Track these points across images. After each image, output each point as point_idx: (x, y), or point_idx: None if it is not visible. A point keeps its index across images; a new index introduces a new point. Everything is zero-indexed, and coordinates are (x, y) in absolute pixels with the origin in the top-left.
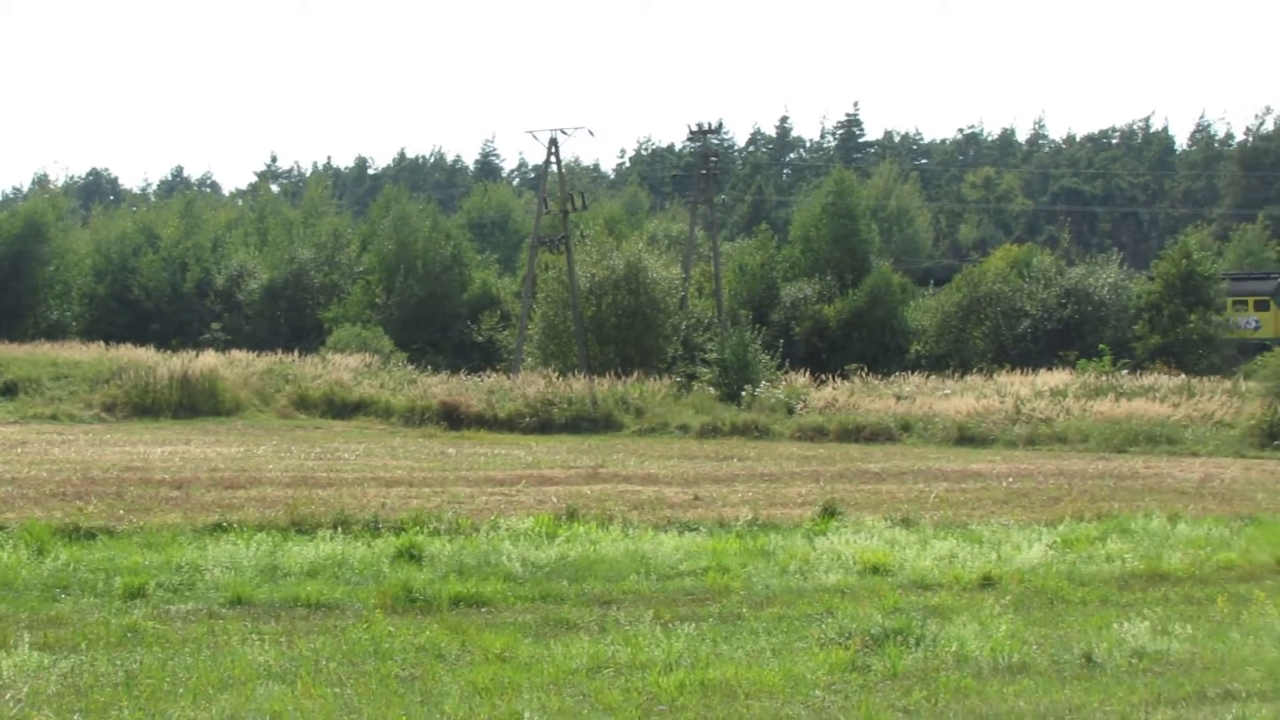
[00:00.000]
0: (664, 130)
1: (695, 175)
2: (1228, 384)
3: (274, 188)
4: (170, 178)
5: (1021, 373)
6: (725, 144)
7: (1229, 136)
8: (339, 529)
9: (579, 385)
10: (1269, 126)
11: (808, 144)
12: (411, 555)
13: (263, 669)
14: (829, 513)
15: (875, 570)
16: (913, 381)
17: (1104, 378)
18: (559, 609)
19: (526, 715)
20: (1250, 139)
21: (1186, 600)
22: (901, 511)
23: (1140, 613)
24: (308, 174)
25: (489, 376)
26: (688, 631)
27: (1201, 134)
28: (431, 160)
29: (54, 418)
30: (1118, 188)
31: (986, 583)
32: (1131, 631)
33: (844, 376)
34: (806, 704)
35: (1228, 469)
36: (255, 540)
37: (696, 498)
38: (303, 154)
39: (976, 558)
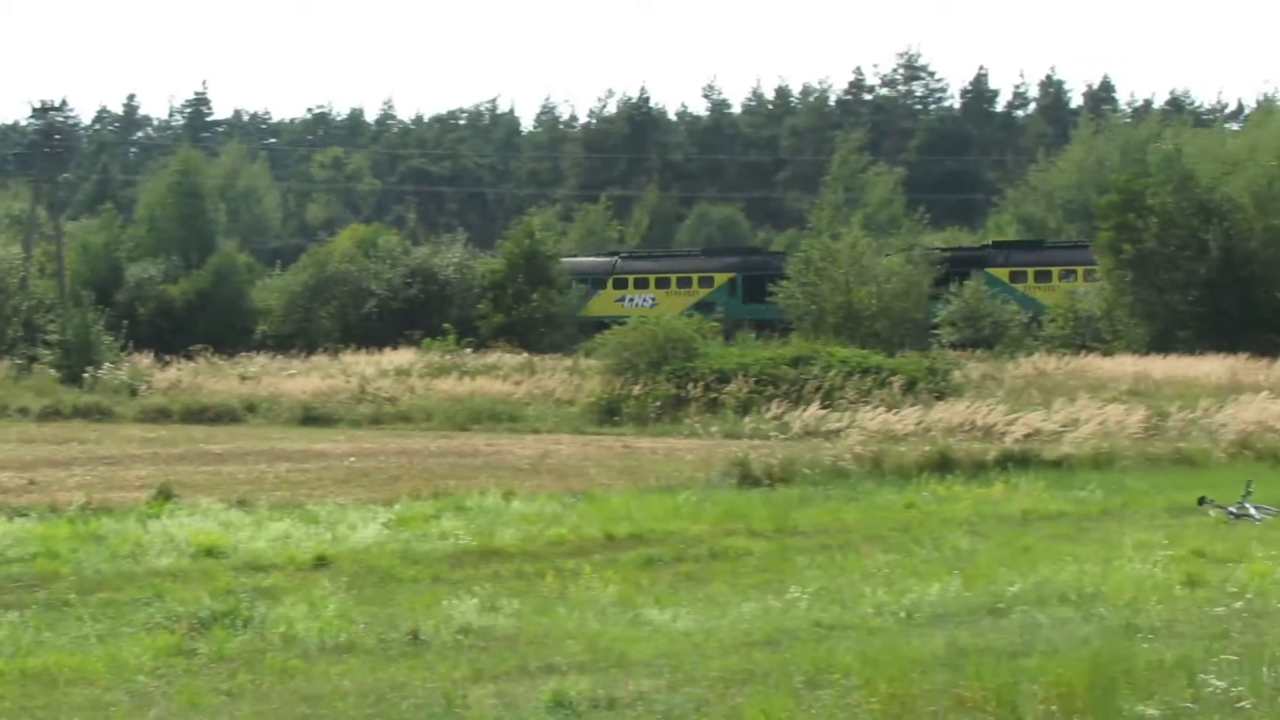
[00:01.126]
0: (6, 107)
1: (38, 153)
2: (568, 362)
3: None
4: None
5: (368, 352)
6: (70, 122)
7: (573, 119)
8: None
9: None
10: (611, 109)
11: (155, 123)
12: None
13: None
14: (165, 495)
15: (209, 553)
16: (259, 362)
17: (448, 356)
18: None
19: None
20: (593, 121)
21: (517, 576)
22: (240, 493)
23: (470, 589)
24: None
25: None
26: (11, 620)
27: (547, 116)
28: None
29: None
30: (465, 168)
31: (321, 563)
32: (460, 608)
33: (189, 357)
34: (129, 690)
35: (565, 445)
36: None
37: (32, 482)
38: None
39: (312, 538)
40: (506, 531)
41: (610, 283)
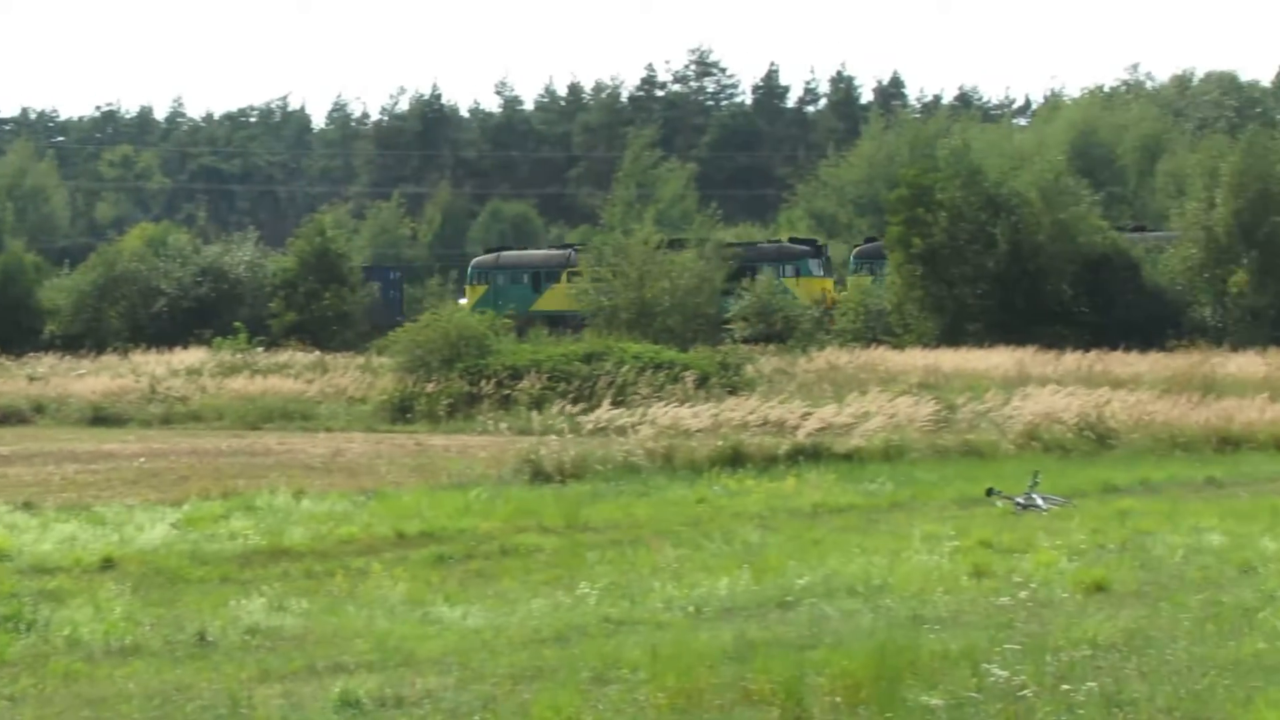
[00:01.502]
0: None
1: None
2: (361, 360)
3: None
4: None
5: (158, 351)
6: None
7: (364, 116)
8: None
9: None
10: (403, 106)
11: None
12: None
13: None
14: None
15: None
16: (47, 362)
17: (240, 355)
18: None
19: None
20: (385, 119)
21: (306, 575)
22: (26, 495)
23: (259, 589)
24: None
25: None
26: None
27: (338, 113)
28: None
29: None
30: (256, 166)
31: (108, 565)
32: (248, 608)
33: None
34: None
35: (357, 444)
36: None
37: None
38: None
39: (99, 539)
40: (296, 531)
41: (565, 276)
